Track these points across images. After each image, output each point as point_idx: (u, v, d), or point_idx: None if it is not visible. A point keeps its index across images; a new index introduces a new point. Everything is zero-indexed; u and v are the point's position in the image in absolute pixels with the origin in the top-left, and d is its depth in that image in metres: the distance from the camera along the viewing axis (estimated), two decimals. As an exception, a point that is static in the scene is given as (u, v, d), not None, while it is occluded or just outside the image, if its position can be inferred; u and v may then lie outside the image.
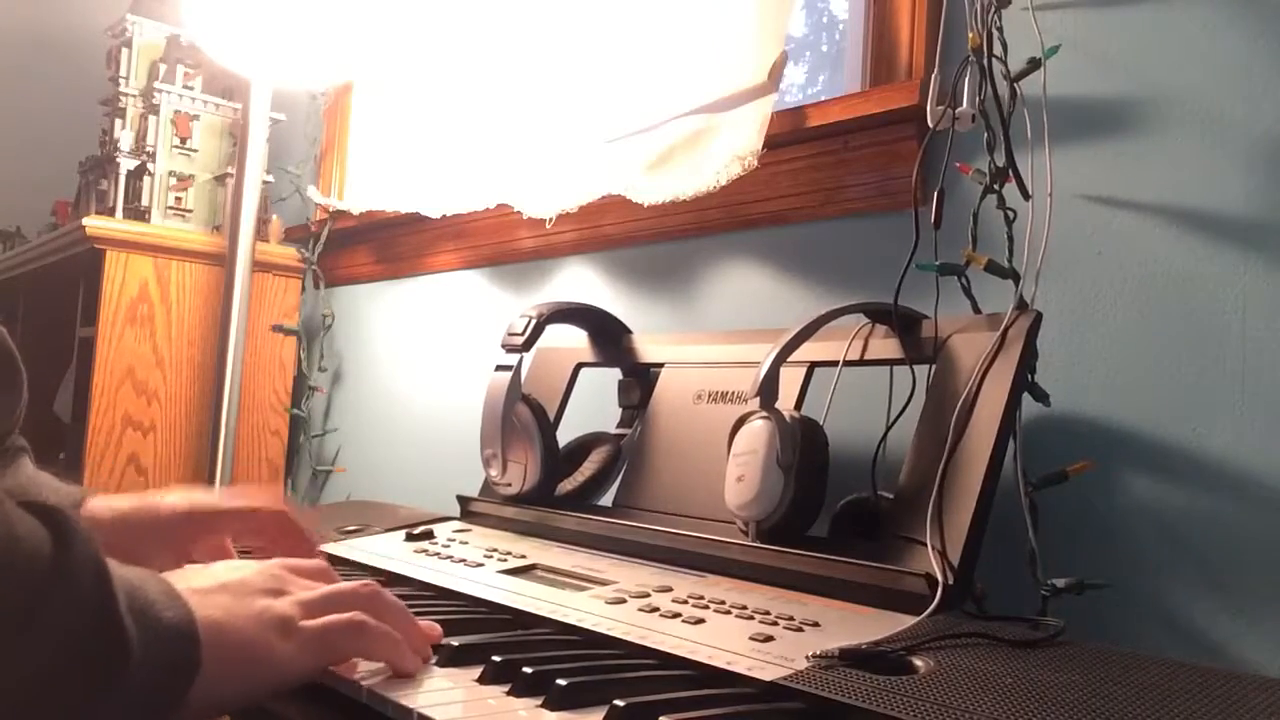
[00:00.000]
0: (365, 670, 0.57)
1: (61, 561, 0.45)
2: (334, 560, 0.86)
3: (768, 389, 0.79)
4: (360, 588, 0.60)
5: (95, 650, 0.46)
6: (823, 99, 1.09)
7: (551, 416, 1.05)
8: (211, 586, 0.55)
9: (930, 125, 0.87)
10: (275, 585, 0.57)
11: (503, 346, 1.00)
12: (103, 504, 0.74)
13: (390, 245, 1.79)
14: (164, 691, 0.49)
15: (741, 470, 0.78)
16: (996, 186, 0.85)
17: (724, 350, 0.97)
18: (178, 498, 0.76)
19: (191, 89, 1.87)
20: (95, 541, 0.48)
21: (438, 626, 0.62)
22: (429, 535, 0.95)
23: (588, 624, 0.64)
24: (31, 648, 0.43)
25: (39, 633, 0.44)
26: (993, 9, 0.85)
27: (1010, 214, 0.84)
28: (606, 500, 1.03)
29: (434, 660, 0.58)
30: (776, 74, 1.11)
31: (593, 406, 1.13)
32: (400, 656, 0.56)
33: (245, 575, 0.57)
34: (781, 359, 0.80)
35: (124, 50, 1.90)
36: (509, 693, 0.52)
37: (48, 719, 0.45)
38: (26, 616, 0.43)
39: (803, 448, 0.77)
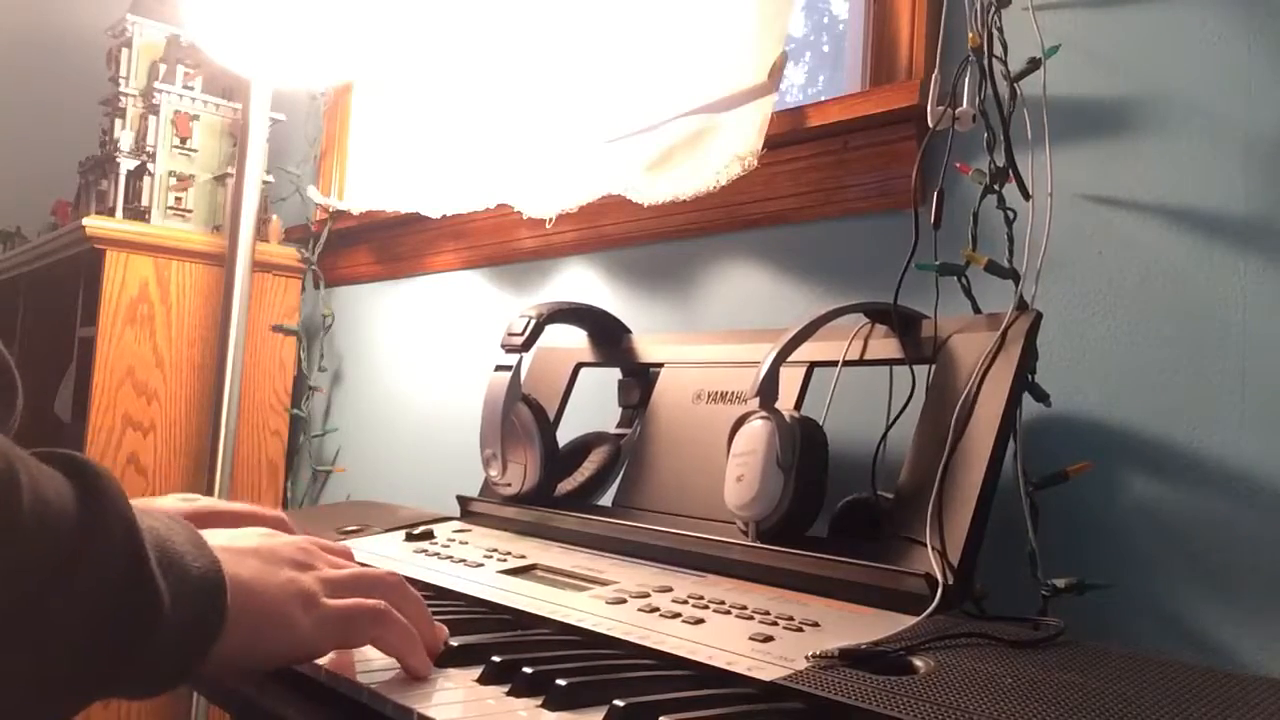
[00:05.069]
0: (365, 668, 0.57)
1: (91, 518, 0.44)
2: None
3: (768, 389, 0.79)
4: (386, 575, 0.60)
5: (127, 606, 0.45)
6: (823, 99, 1.09)
7: (551, 416, 1.05)
8: (242, 548, 0.54)
9: (930, 125, 0.87)
10: (304, 559, 0.57)
11: (502, 346, 1.00)
12: None
13: (390, 245, 1.79)
14: (190, 644, 0.48)
15: (741, 470, 0.78)
16: (996, 186, 0.85)
17: (724, 350, 0.97)
18: (174, 500, 0.76)
19: (191, 89, 1.87)
20: (123, 492, 0.47)
21: (445, 629, 0.62)
22: (429, 535, 0.95)
23: (588, 624, 0.64)
24: (62, 608, 0.43)
25: (69, 593, 0.43)
26: (993, 9, 0.85)
27: (1010, 214, 0.84)
28: (606, 500, 1.03)
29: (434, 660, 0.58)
30: (776, 74, 1.11)
31: (593, 406, 1.13)
32: (414, 653, 0.56)
33: (275, 544, 0.57)
34: (781, 359, 0.80)
35: (124, 50, 1.90)
36: (509, 693, 0.52)
37: (79, 676, 0.44)
38: (56, 578, 0.43)
39: (803, 448, 0.77)
